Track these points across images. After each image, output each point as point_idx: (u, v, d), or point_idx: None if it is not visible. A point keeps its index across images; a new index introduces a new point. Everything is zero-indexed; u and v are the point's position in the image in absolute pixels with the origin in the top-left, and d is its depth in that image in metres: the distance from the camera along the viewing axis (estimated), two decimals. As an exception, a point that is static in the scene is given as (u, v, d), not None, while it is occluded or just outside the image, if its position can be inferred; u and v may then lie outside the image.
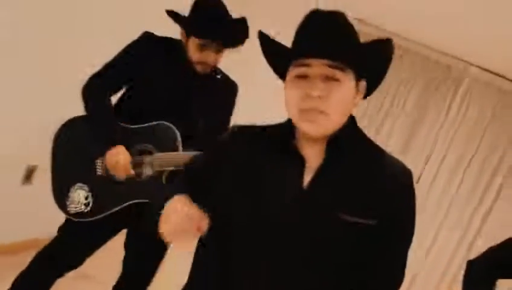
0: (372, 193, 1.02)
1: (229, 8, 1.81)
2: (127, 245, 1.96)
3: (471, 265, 1.72)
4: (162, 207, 1.01)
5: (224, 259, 1.05)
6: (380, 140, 3.64)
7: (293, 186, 1.02)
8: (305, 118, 0.99)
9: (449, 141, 3.71)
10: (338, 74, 0.98)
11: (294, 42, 1.02)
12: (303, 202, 1.00)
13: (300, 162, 1.04)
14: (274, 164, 1.05)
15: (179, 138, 1.78)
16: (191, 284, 1.15)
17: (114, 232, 1.90)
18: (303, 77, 0.99)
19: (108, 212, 1.77)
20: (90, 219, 1.77)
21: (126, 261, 1.97)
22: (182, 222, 0.97)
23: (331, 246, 1.00)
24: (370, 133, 2.89)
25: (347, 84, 0.99)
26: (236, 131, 1.14)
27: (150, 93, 1.82)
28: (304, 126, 1.01)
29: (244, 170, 1.07)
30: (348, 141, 1.05)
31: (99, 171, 1.81)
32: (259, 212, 1.02)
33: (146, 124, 1.80)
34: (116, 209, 1.77)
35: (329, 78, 0.98)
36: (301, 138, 1.05)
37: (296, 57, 1.00)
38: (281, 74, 1.09)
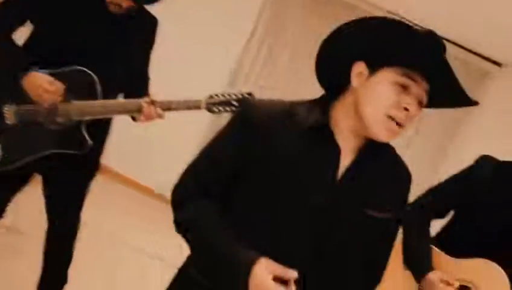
0: (393, 190, 1.12)
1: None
2: (46, 194, 1.96)
3: (406, 213, 1.56)
4: None
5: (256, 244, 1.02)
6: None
7: (327, 177, 1.04)
8: (388, 125, 1.03)
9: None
10: (425, 99, 1.04)
11: (414, 50, 1.00)
12: (336, 196, 1.04)
13: (337, 154, 1.06)
14: (308, 150, 1.05)
15: (98, 86, 1.75)
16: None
17: (26, 180, 1.91)
18: (403, 86, 1.02)
19: (20, 164, 1.77)
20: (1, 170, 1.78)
21: (48, 214, 1.98)
22: None
23: (354, 241, 1.06)
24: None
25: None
26: (259, 106, 1.11)
27: (57, 35, 1.76)
28: (381, 132, 1.04)
29: (277, 155, 1.05)
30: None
31: (8, 120, 1.78)
32: (291, 201, 1.04)
33: (60, 69, 1.74)
34: (28, 160, 1.77)
35: (420, 102, 1.04)
36: (343, 129, 1.07)
37: (416, 66, 1.01)
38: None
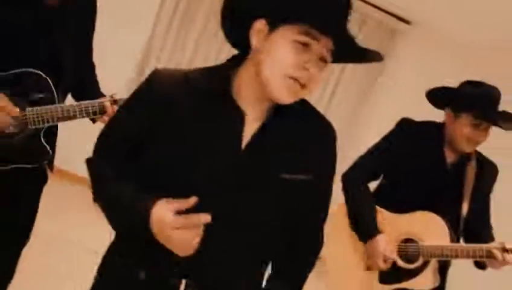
0: (309, 150, 1.07)
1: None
2: None
3: (346, 176, 1.94)
4: None
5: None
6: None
7: (231, 146, 1.01)
8: (289, 86, 0.98)
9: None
10: (328, 57, 1.00)
11: (315, 7, 0.96)
12: (242, 165, 1.01)
13: (240, 120, 1.02)
14: (209, 118, 1.02)
15: (53, 88, 1.60)
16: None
17: None
18: (304, 44, 0.96)
19: None
20: None
21: None
22: None
23: (269, 205, 1.05)
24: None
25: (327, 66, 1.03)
26: (160, 77, 1.07)
27: None
28: (282, 94, 0.99)
29: (176, 126, 1.02)
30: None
31: None
32: (196, 174, 1.00)
33: (6, 73, 1.55)
34: None
35: (322, 59, 0.99)
36: (246, 94, 1.03)
37: (314, 23, 0.95)
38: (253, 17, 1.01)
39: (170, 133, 1.01)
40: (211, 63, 3.69)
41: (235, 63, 1.06)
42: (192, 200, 0.93)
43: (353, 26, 4.19)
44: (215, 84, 1.03)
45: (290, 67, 0.97)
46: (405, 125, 1.96)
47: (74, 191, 3.63)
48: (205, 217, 0.91)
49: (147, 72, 3.71)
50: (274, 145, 1.04)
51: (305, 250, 1.17)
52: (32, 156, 1.66)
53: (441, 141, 1.90)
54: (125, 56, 3.90)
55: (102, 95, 1.78)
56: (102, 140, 1.11)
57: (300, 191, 1.06)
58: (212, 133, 1.02)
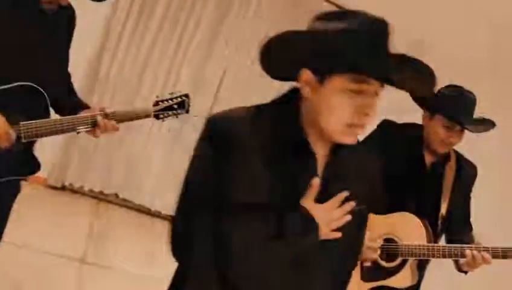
0: (363, 181, 1.14)
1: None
2: None
3: None
4: None
5: None
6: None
7: (307, 180, 1.03)
8: (350, 133, 1.01)
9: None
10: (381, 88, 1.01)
11: (361, 55, 0.95)
12: (319, 194, 1.05)
13: (314, 163, 1.06)
14: (285, 162, 1.03)
15: (47, 101, 1.64)
16: None
17: None
18: (358, 91, 0.97)
19: None
20: None
21: None
22: None
23: (343, 231, 1.06)
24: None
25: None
26: (221, 121, 1.06)
27: None
28: (344, 139, 1.02)
29: (248, 169, 1.01)
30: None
31: None
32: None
33: (3, 87, 1.57)
34: None
35: (376, 93, 1.00)
36: (316, 137, 1.05)
37: (363, 71, 0.96)
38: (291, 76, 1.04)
39: (243, 177, 1.01)
40: (172, 45, 3.60)
41: (292, 102, 1.07)
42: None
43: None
44: (287, 127, 1.05)
45: (349, 118, 0.98)
46: (386, 127, 2.03)
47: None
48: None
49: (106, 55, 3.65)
50: (338, 182, 1.08)
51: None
52: (25, 169, 1.69)
53: (421, 142, 1.95)
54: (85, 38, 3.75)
55: (84, 105, 1.82)
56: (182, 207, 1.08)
57: (358, 220, 1.12)
58: (288, 176, 1.03)
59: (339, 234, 1.04)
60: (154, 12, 3.81)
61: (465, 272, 1.93)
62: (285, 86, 1.11)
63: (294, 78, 1.03)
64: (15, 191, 1.77)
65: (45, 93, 1.62)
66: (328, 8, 3.69)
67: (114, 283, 2.98)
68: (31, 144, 1.65)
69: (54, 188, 3.80)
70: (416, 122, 2.03)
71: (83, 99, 1.91)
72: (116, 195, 3.97)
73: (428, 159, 1.96)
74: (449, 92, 1.88)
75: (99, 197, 3.93)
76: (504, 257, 1.83)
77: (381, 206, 1.33)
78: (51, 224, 3.23)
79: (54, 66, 1.71)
